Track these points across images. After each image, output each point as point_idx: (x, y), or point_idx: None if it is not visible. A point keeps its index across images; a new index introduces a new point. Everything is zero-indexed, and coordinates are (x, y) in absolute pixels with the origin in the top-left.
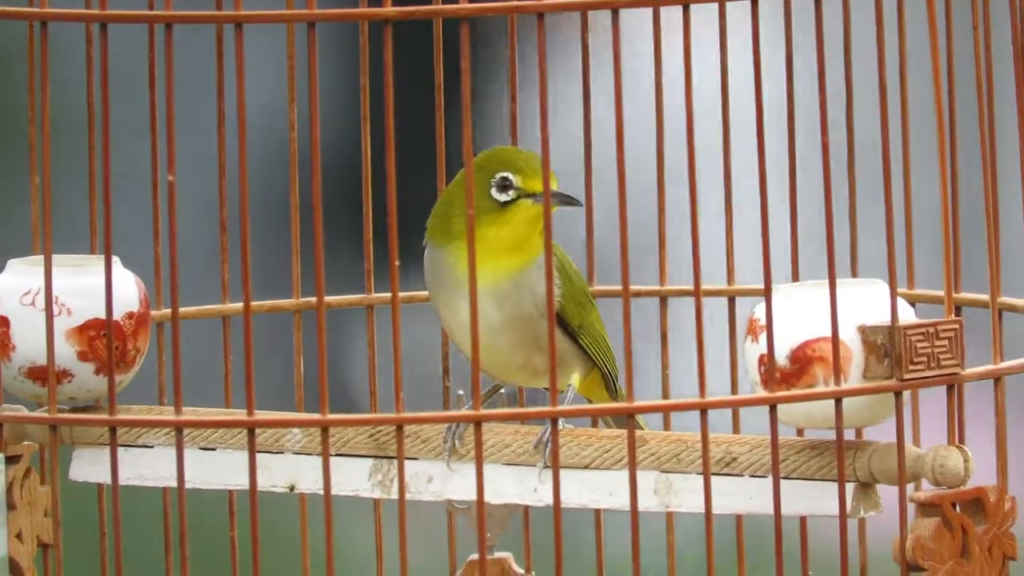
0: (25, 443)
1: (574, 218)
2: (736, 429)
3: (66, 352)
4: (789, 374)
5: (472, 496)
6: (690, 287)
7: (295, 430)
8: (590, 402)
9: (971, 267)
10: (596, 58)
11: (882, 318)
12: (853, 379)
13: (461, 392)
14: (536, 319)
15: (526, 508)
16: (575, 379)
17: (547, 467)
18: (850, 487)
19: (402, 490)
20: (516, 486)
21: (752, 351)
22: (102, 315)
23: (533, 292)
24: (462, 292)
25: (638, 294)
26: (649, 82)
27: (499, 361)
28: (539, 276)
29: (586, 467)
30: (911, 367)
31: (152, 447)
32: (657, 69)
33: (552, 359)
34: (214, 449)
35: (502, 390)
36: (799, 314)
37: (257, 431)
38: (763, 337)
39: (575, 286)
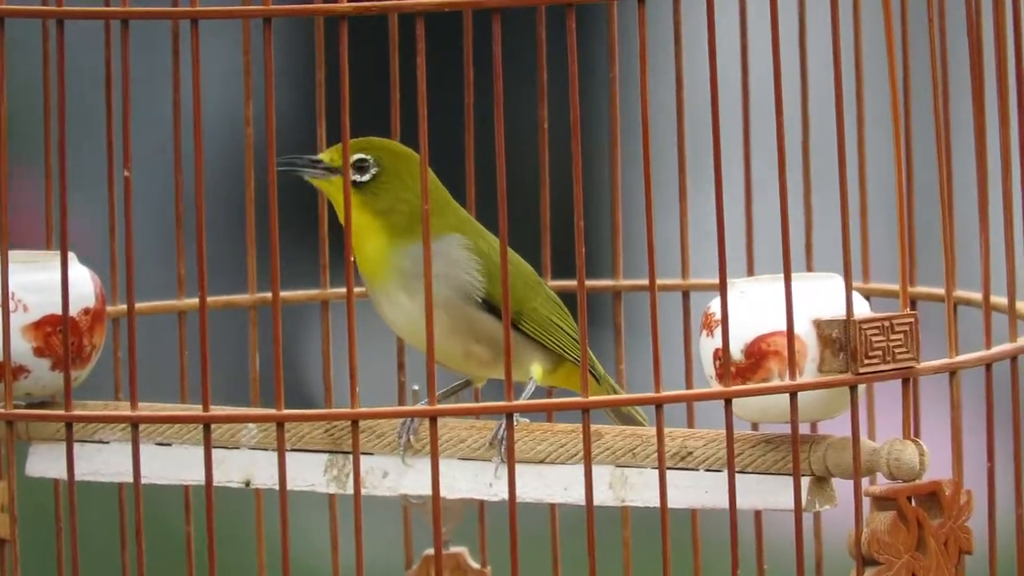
0: None
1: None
2: (691, 424)
3: (22, 348)
4: (744, 368)
5: (427, 491)
6: (645, 282)
7: (251, 425)
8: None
9: (926, 261)
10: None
11: (837, 312)
12: (808, 373)
13: (416, 387)
14: (458, 303)
15: (481, 503)
16: (535, 371)
17: (503, 462)
18: (805, 481)
19: (357, 485)
20: (471, 481)
21: (707, 345)
22: (58, 311)
23: (444, 275)
24: (378, 290)
25: (594, 289)
26: (603, 78)
27: (439, 350)
28: (441, 255)
29: (542, 462)
30: (866, 361)
31: (108, 442)
32: (612, 65)
33: (507, 351)
34: (170, 444)
35: (464, 389)
36: (754, 308)
37: (213, 426)
38: (718, 331)
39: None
